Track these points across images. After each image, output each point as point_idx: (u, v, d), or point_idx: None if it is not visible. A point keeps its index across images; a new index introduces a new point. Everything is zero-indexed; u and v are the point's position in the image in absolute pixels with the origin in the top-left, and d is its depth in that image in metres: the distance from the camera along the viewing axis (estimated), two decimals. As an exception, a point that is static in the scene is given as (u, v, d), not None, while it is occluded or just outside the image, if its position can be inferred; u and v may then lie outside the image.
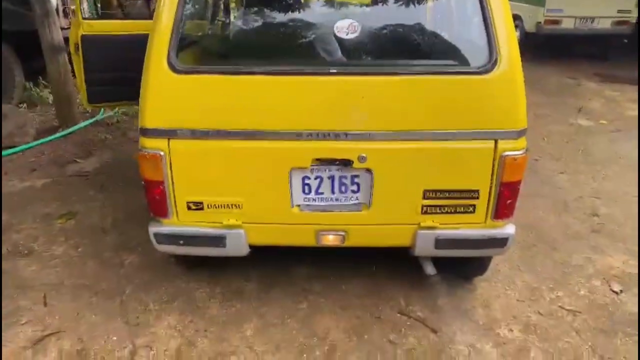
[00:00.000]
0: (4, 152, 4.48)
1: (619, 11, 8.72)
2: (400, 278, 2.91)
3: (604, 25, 8.81)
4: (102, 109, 5.66)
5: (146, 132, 2.25)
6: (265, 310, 2.67)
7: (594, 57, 9.37)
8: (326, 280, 2.90)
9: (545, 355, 2.42)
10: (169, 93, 2.20)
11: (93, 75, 3.65)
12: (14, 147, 4.59)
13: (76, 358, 2.35)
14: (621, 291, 2.89)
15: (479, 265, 2.79)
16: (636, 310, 2.74)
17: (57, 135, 4.94)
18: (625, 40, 9.37)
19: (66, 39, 5.16)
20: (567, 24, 8.78)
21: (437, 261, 2.88)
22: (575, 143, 5.25)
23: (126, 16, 4.22)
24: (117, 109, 5.75)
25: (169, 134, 2.23)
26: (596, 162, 4.72)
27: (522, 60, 2.26)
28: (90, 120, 5.38)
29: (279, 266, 2.99)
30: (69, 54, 4.90)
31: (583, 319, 2.67)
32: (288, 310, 2.68)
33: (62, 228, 3.40)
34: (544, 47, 9.49)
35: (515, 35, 2.23)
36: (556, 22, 8.72)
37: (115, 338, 2.47)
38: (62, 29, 5.28)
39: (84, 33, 3.54)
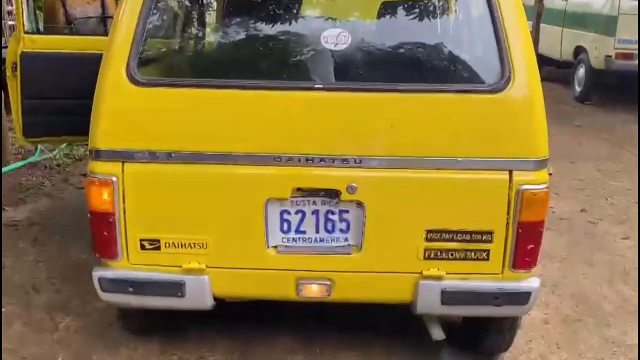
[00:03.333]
0: None
1: None
2: (404, 352, 3.19)
3: (693, 61, 9.36)
4: (38, 149, 6.10)
5: (98, 154, 2.63)
6: (232, 386, 2.95)
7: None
8: (311, 351, 3.18)
9: None
10: (127, 108, 2.60)
11: (32, 103, 4.07)
12: None
13: None
14: (687, 375, 3.15)
15: (499, 336, 3.07)
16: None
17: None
18: None
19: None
20: (645, 59, 9.33)
21: (450, 333, 3.17)
22: (648, 204, 5.60)
23: (76, 34, 4.73)
24: (57, 150, 6.21)
25: (124, 156, 2.60)
26: (672, 227, 5.04)
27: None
28: (23, 162, 5.83)
29: (252, 335, 3.28)
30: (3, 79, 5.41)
31: (636, 406, 2.92)
32: (262, 386, 2.95)
33: (-18, 285, 3.73)
34: (615, 88, 10.02)
35: (532, 48, 2.62)
36: (630, 56, 9.28)
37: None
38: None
39: (24, 50, 3.99)
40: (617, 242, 4.75)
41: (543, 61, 11.25)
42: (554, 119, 8.79)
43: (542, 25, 10.99)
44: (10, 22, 6.88)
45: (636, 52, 9.26)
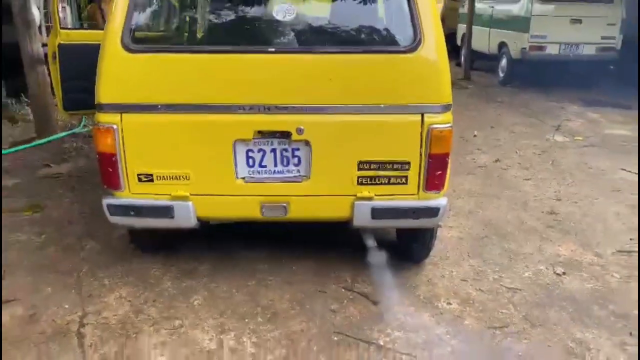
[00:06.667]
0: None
1: (603, 37, 9.16)
2: (351, 260, 3.17)
3: (589, 51, 9.22)
4: (82, 122, 6.01)
5: (101, 108, 2.57)
6: (214, 286, 2.91)
7: (580, 83, 9.77)
8: (277, 261, 3.15)
9: (479, 323, 2.65)
10: (122, 70, 2.53)
11: (69, 83, 3.97)
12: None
13: (27, 321, 2.58)
14: (564, 273, 3.13)
15: (423, 246, 3.05)
16: (576, 287, 2.98)
17: (34, 143, 5.27)
18: (612, 67, 9.80)
19: (46, 54, 5.58)
20: (552, 50, 9.19)
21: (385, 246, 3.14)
22: (547, 155, 5.54)
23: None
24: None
25: (122, 108, 2.55)
26: (564, 171, 5.00)
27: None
28: (67, 133, 5.73)
29: (231, 250, 3.25)
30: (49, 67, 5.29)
31: (522, 295, 2.90)
32: (236, 286, 2.92)
33: (28, 219, 3.67)
34: (530, 73, 9.92)
35: (439, 20, 2.56)
36: (541, 48, 9.13)
37: (67, 306, 2.71)
38: (43, 45, 5.69)
39: (61, 42, 3.88)
40: (521, 182, 4.70)
41: (475, 55, 11.15)
42: (481, 98, 8.83)
43: (474, 27, 10.82)
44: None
45: (545, 44, 9.16)
